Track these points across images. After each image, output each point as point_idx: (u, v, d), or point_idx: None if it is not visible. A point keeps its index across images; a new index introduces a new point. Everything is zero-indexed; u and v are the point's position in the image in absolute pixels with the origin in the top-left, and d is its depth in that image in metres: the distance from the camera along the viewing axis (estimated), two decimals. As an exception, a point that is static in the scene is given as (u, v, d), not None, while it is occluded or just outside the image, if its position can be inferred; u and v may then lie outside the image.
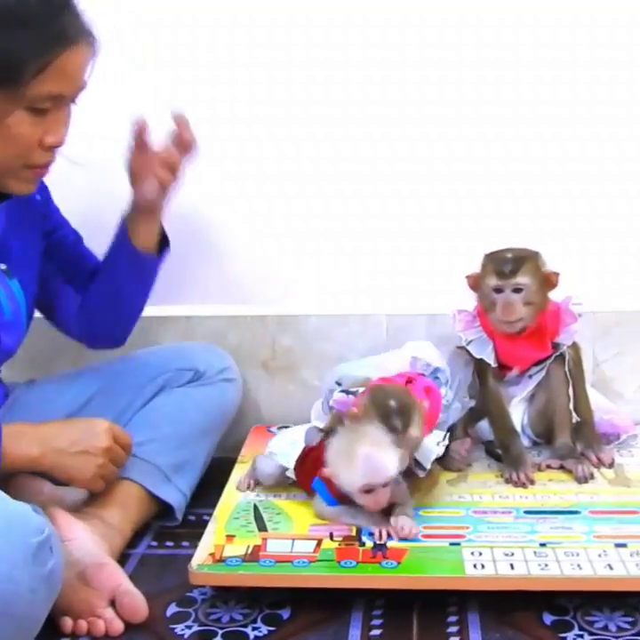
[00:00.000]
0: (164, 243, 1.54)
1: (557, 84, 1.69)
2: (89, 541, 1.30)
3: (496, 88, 1.70)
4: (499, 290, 1.51)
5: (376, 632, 1.21)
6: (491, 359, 1.56)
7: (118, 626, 1.22)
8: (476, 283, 1.55)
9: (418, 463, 1.39)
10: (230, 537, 1.34)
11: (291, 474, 1.45)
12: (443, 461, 1.54)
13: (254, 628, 1.23)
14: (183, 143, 1.42)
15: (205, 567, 1.27)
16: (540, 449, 1.60)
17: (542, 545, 1.29)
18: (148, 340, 1.76)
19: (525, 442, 1.58)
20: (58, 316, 1.58)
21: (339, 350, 1.79)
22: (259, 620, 1.25)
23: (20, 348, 1.46)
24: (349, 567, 1.26)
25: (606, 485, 1.48)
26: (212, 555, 1.30)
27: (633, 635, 1.18)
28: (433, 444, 1.43)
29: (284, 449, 1.47)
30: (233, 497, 1.48)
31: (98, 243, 1.55)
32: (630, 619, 1.22)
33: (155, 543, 1.48)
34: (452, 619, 1.23)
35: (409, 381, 1.47)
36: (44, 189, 1.48)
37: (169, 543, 1.47)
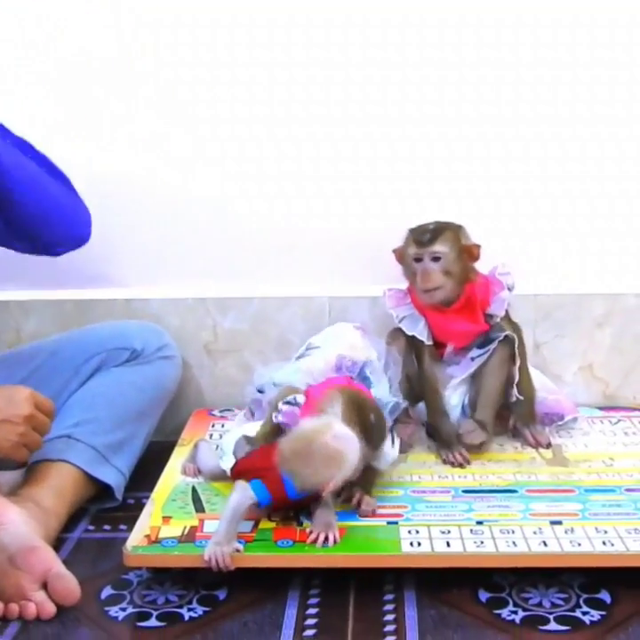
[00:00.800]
0: None
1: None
2: (22, 525, 1.28)
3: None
4: (418, 259, 1.53)
5: (312, 611, 1.21)
6: (424, 336, 1.57)
7: (50, 609, 1.21)
8: (401, 256, 1.57)
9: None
10: (167, 518, 1.33)
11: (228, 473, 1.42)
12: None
13: (190, 609, 1.22)
14: None
15: (140, 548, 1.26)
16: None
17: (479, 523, 1.30)
18: (85, 323, 1.74)
19: (467, 423, 1.58)
20: None
21: (281, 333, 1.79)
22: (194, 601, 1.24)
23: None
24: (286, 547, 1.25)
25: (544, 465, 1.50)
26: (147, 536, 1.28)
27: (566, 611, 1.19)
28: (389, 448, 1.42)
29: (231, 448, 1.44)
30: (171, 479, 1.47)
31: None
32: (564, 595, 1.23)
33: (92, 527, 1.46)
34: (389, 597, 1.24)
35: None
36: None
37: (106, 527, 1.46)
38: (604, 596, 1.22)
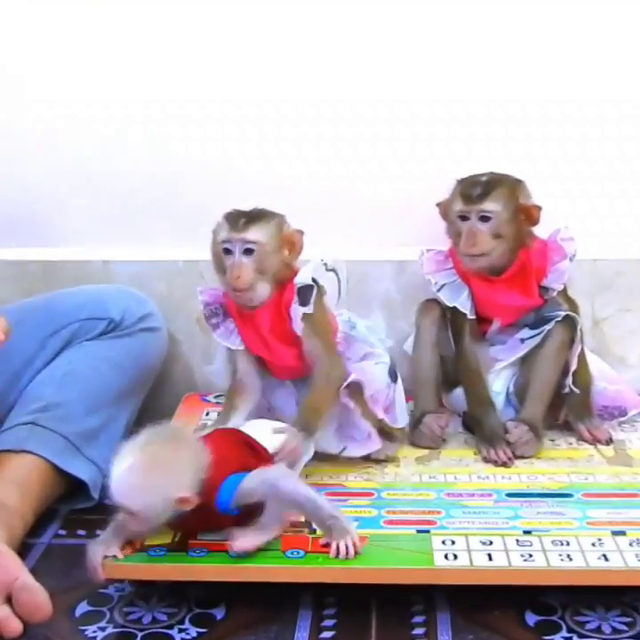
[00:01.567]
0: None
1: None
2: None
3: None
4: (464, 217, 1.52)
5: (327, 635, 1.22)
6: (466, 308, 1.56)
7: (15, 626, 1.21)
8: (445, 210, 1.56)
9: None
10: (153, 522, 1.34)
11: None
12: (412, 436, 1.56)
13: (181, 630, 1.23)
14: None
15: (123, 558, 1.27)
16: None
17: (526, 532, 1.30)
18: (53, 288, 1.74)
19: (512, 414, 1.59)
20: None
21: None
22: (186, 620, 1.25)
23: None
24: (296, 558, 1.26)
25: (604, 464, 1.51)
26: (130, 543, 1.29)
27: (630, 637, 1.20)
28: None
29: None
30: (158, 476, 1.48)
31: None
32: (627, 619, 1.23)
33: (63, 531, 1.47)
34: (418, 619, 1.24)
35: None
36: None
37: (80, 531, 1.47)
38: (676, 620, 1.23)
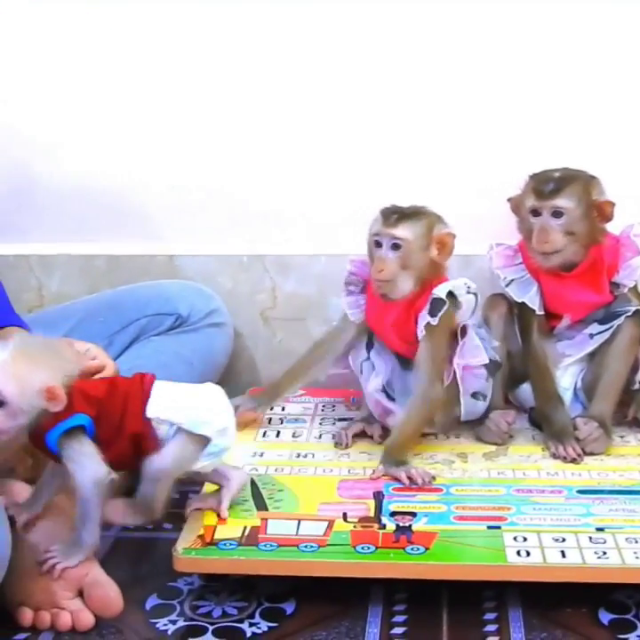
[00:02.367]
0: None
1: None
2: (50, 522, 1.30)
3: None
4: (536, 212, 1.50)
5: (398, 631, 1.21)
6: (535, 304, 1.55)
7: (87, 619, 1.22)
8: (516, 206, 1.55)
9: None
10: (222, 516, 1.34)
11: None
12: (479, 432, 1.55)
13: (251, 624, 1.23)
14: None
15: (193, 551, 1.27)
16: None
17: (599, 529, 1.29)
18: (119, 283, 1.75)
19: (580, 410, 1.57)
20: None
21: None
22: (257, 614, 1.25)
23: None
24: (367, 553, 1.25)
25: (678, 461, 1.49)
26: (201, 537, 1.29)
27: None
28: None
29: None
30: (225, 470, 1.48)
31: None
32: None
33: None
34: (490, 616, 1.24)
35: None
36: None
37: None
38: None
